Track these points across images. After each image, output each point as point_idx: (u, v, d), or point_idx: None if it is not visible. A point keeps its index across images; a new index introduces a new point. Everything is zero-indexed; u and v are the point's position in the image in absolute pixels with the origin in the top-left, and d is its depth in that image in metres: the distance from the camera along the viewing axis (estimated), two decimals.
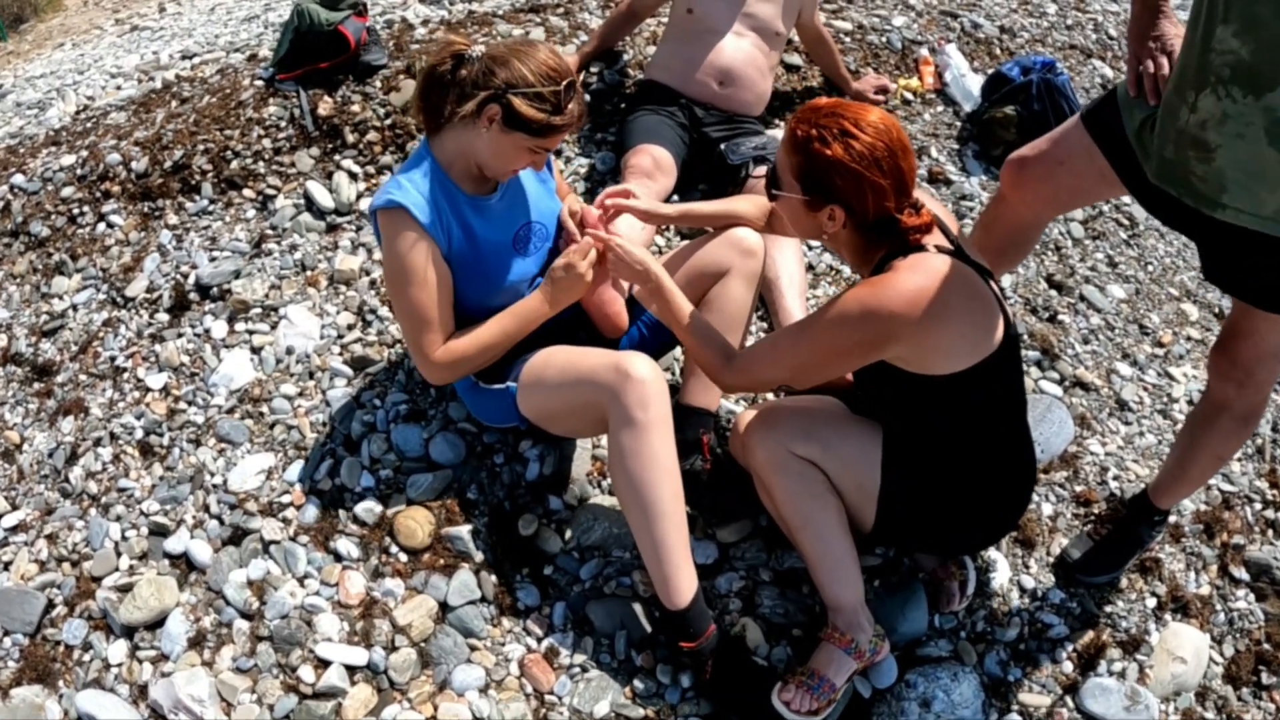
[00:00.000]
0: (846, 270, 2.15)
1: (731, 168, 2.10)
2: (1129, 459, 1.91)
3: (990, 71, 2.68)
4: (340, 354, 1.89)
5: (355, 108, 2.38)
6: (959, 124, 2.58)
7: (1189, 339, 2.29)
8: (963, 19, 2.98)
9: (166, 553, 1.63)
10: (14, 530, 1.73)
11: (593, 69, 2.51)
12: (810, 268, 2.12)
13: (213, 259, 2.12)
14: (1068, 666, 1.55)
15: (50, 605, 1.62)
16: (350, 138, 2.34)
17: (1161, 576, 1.70)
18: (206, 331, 1.96)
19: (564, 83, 1.32)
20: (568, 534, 1.59)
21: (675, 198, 2.21)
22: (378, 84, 2.43)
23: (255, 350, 1.91)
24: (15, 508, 1.78)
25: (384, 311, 1.97)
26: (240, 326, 1.96)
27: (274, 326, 1.95)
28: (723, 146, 2.12)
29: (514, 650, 1.46)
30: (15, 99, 3.34)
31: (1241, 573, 1.76)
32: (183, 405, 1.85)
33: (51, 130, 2.79)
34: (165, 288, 2.08)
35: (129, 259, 2.19)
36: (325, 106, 2.39)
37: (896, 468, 1.33)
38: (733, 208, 1.58)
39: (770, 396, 1.79)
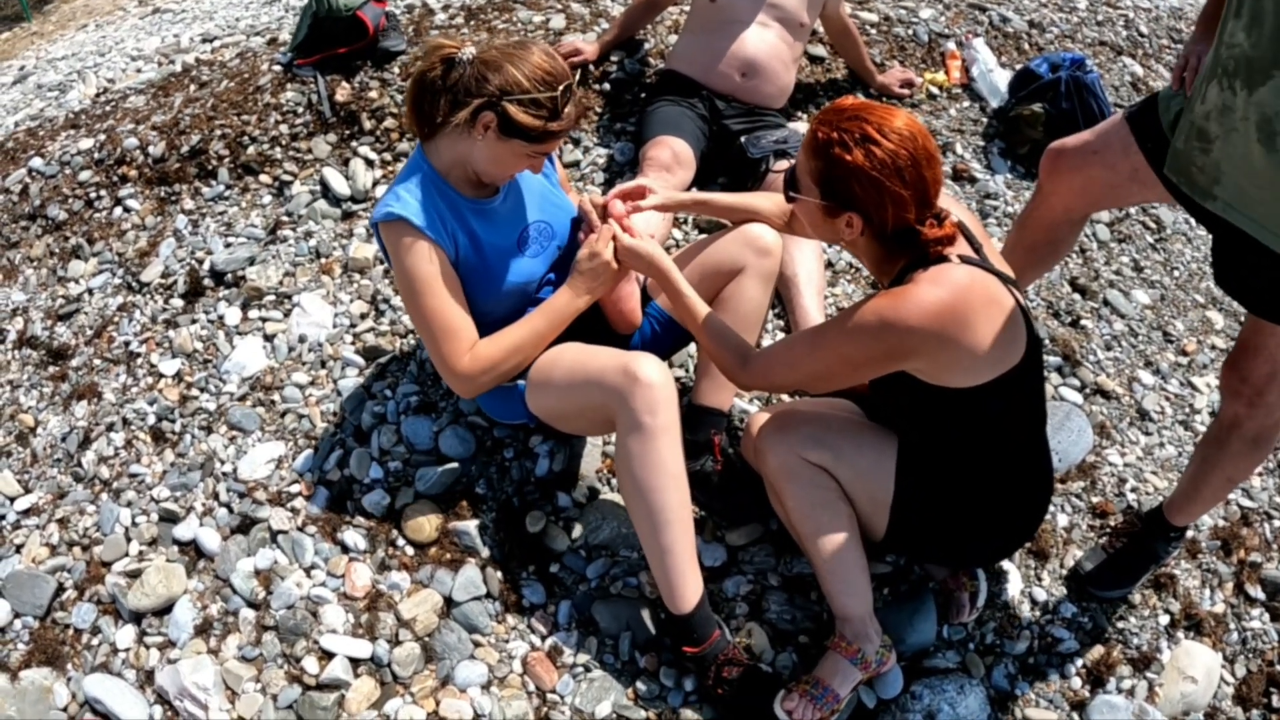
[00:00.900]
0: (857, 269, 2.11)
1: (751, 161, 2.06)
2: (1148, 470, 1.86)
3: (1018, 67, 2.61)
4: (352, 343, 1.88)
5: (373, 94, 2.36)
6: (985, 120, 2.52)
7: (1213, 348, 2.23)
8: (991, 12, 2.91)
9: (176, 539, 1.63)
10: (26, 514, 1.75)
11: (613, 57, 2.47)
12: (829, 265, 2.08)
13: (228, 245, 2.11)
14: (1076, 682, 1.52)
15: (60, 589, 1.63)
16: (367, 124, 2.32)
17: (1176, 593, 1.67)
18: (220, 318, 1.96)
19: (560, 87, 1.28)
20: (575, 532, 1.57)
21: (694, 190, 2.18)
22: (396, 70, 2.41)
23: (268, 338, 1.90)
24: (28, 491, 1.79)
25: (397, 301, 1.95)
26: (254, 313, 1.95)
27: (287, 314, 1.94)
28: (743, 139, 2.08)
29: (518, 648, 1.45)
30: (36, 80, 3.35)
31: (1257, 591, 1.71)
32: (195, 392, 1.85)
33: (71, 113, 2.80)
34: (180, 273, 2.08)
35: (145, 244, 2.19)
36: (343, 92, 2.37)
37: (911, 477, 1.30)
38: (752, 203, 1.54)
39: (785, 397, 1.76)
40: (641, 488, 1.27)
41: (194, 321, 1.97)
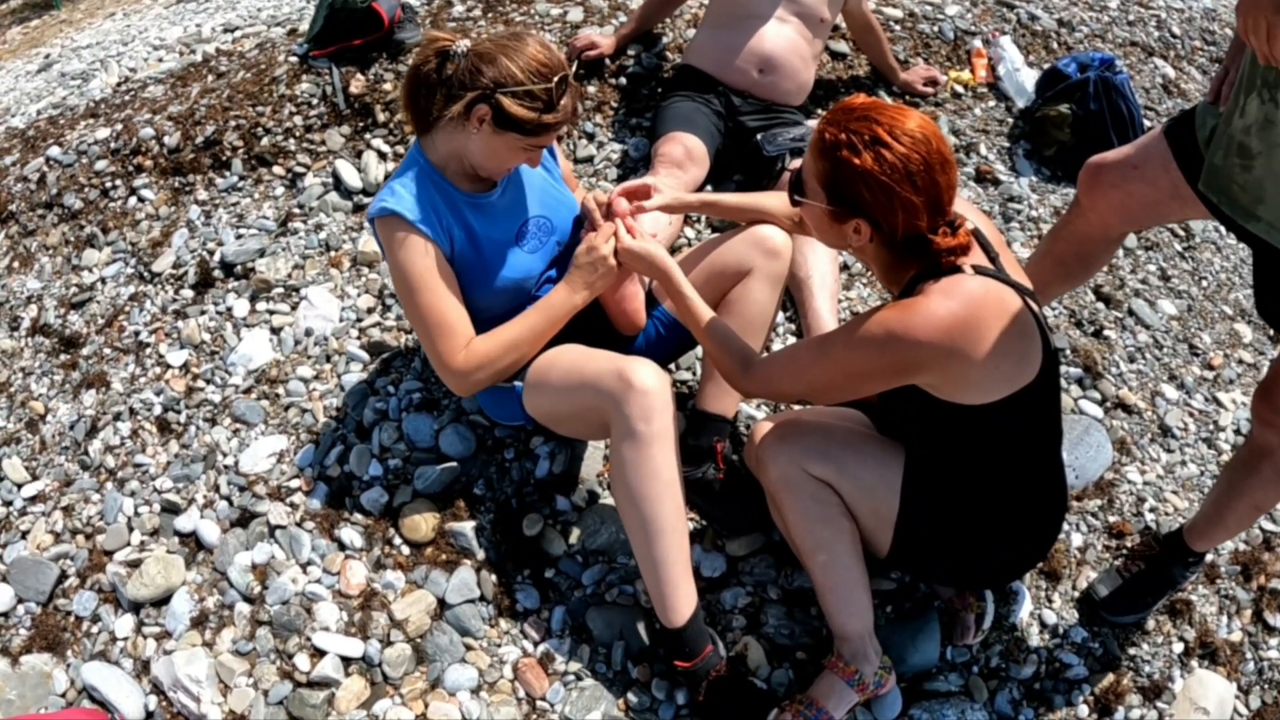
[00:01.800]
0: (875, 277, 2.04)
1: (767, 159, 2.00)
2: (1168, 490, 1.79)
3: (1046, 67, 2.52)
4: (358, 338, 1.86)
5: (387, 86, 2.34)
6: (1011, 120, 2.43)
7: (1240, 362, 2.14)
8: (1019, 10, 2.81)
9: (177, 530, 1.63)
10: (33, 500, 1.76)
11: (630, 51, 2.42)
12: (844, 268, 2.02)
13: (239, 236, 2.10)
14: (1083, 710, 1.46)
15: (63, 576, 1.64)
16: (381, 116, 2.30)
17: (1192, 620, 1.60)
18: (229, 310, 1.95)
19: (555, 78, 1.25)
20: (573, 536, 1.54)
21: (708, 188, 2.13)
22: (411, 63, 2.38)
23: (275, 331, 1.89)
24: (35, 478, 1.80)
25: None
26: (261, 306, 1.94)
27: (294, 307, 1.93)
28: (759, 137, 2.02)
29: (509, 653, 1.43)
30: (60, 69, 3.37)
31: (1276, 620, 1.64)
32: (201, 384, 1.84)
33: (92, 102, 2.81)
34: (191, 264, 2.07)
35: (158, 234, 2.19)
36: (357, 84, 2.35)
37: (917, 494, 1.25)
38: (762, 203, 1.49)
39: (795, 405, 1.71)
40: (635, 496, 1.23)
41: (203, 313, 1.97)
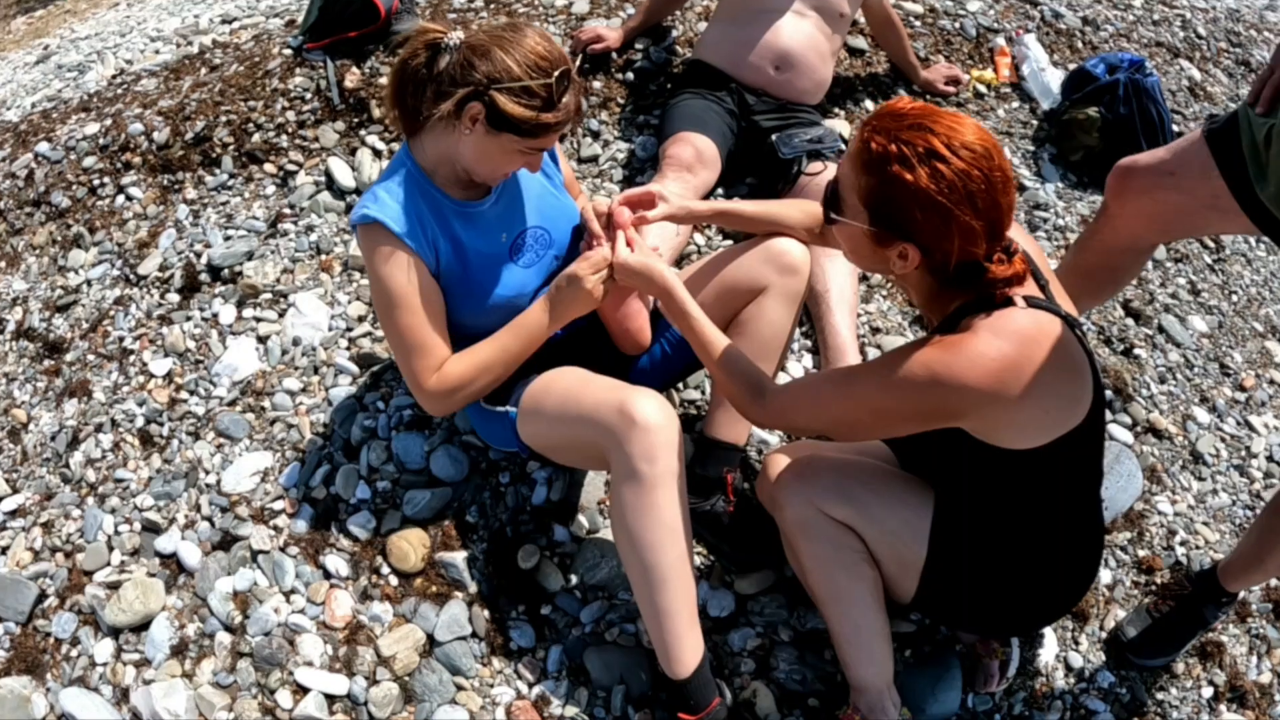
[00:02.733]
0: (892, 284, 1.91)
1: (782, 162, 1.85)
2: (1199, 521, 1.66)
3: (1072, 67, 2.37)
4: (347, 349, 1.74)
5: (383, 80, 2.20)
6: (1035, 123, 2.28)
7: (1272, 383, 2.00)
8: (1043, 7, 2.65)
9: (157, 551, 1.53)
10: (13, 515, 1.65)
11: (637, 45, 2.27)
12: (863, 278, 1.89)
13: (227, 238, 1.98)
14: None
15: (42, 595, 1.53)
16: (376, 112, 2.17)
17: (1222, 663, 1.48)
18: (215, 316, 1.83)
19: (555, 73, 1.12)
20: (571, 570, 1.43)
21: (720, 192, 1.99)
22: (399, 56, 2.24)
23: (261, 340, 1.77)
24: (16, 490, 1.70)
25: None
26: (248, 313, 1.82)
27: (282, 314, 1.81)
28: (774, 138, 1.87)
29: (502, 694, 1.32)
30: (58, 61, 3.23)
31: None
32: (184, 395, 1.73)
33: (85, 95, 2.68)
34: (177, 266, 1.95)
35: (145, 234, 2.07)
36: (352, 78, 2.21)
37: (947, 540, 1.13)
38: (778, 213, 1.35)
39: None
40: (636, 542, 1.11)
41: (188, 319, 1.85)
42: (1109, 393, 1.81)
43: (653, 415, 1.10)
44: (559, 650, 1.35)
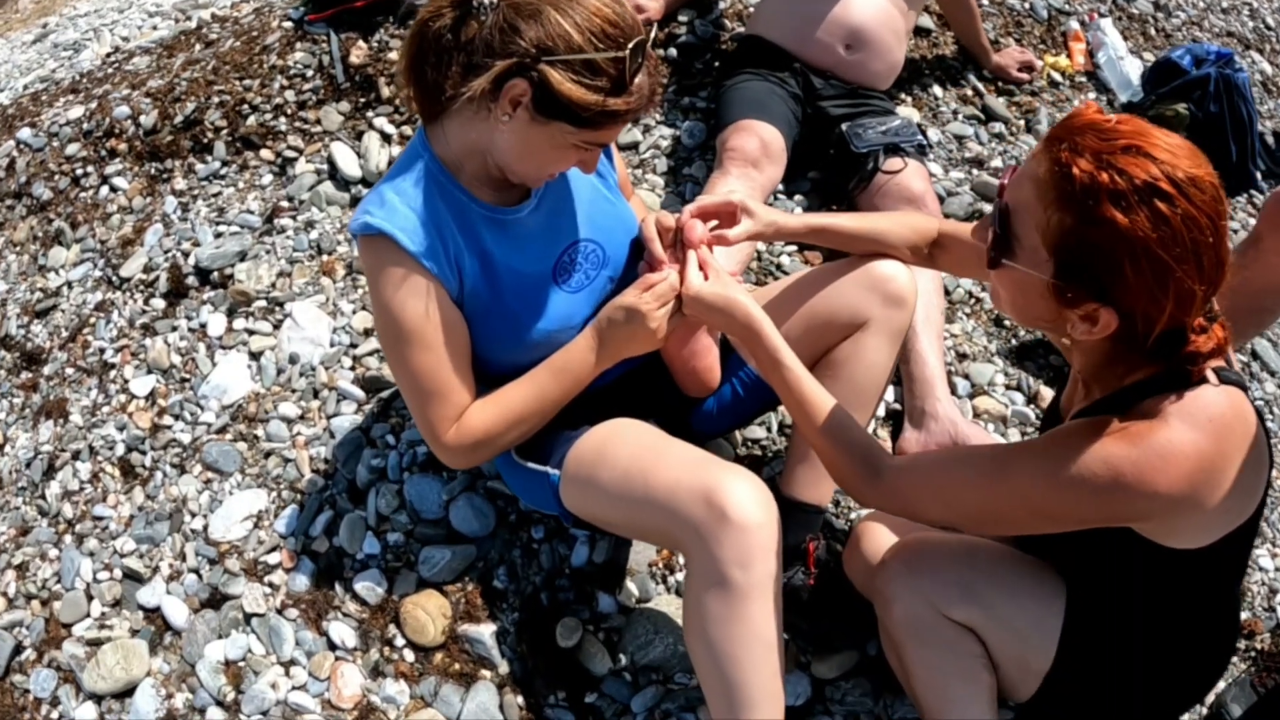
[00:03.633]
0: (976, 300, 1.53)
1: (855, 156, 1.49)
2: None
3: (1146, 56, 1.98)
4: (352, 368, 1.41)
5: (393, 55, 1.83)
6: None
7: None
8: None
9: (140, 604, 1.23)
10: None
11: (681, 17, 1.88)
12: (944, 291, 1.53)
13: (218, 235, 1.64)
14: None
15: (19, 647, 1.24)
16: (385, 91, 1.80)
17: None
18: (202, 327, 1.50)
19: (630, 44, 0.78)
20: (619, 649, 1.11)
21: (780, 188, 1.61)
22: (417, 17, 1.85)
23: (254, 356, 1.45)
24: None
25: None
26: (239, 323, 1.49)
27: (278, 326, 1.48)
28: (844, 128, 1.51)
29: None
30: (55, 39, 2.84)
31: None
32: (169, 420, 1.41)
33: (78, 75, 2.30)
34: (163, 268, 1.62)
35: (130, 230, 1.73)
36: (358, 54, 1.84)
37: (1077, 640, 0.85)
38: (883, 229, 1.01)
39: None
40: (720, 656, 0.80)
41: (174, 329, 1.52)
42: None
43: (750, 510, 0.77)
44: None
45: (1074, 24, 2.03)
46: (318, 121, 1.79)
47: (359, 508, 1.23)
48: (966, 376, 1.35)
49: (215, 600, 1.20)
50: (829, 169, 1.60)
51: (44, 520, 1.38)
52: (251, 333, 1.47)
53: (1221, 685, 1.19)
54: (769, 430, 1.28)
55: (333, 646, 1.13)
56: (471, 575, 1.15)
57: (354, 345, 1.44)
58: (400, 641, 1.12)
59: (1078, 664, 0.85)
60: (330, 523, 1.22)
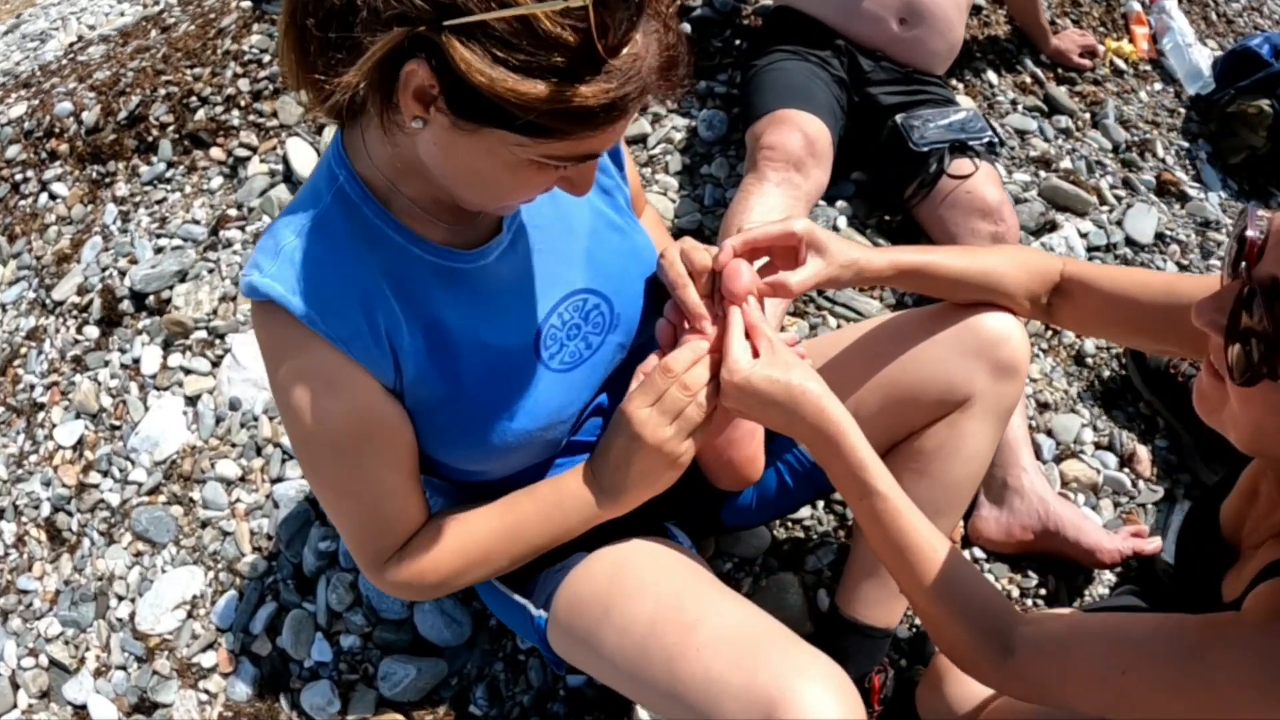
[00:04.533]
0: (1053, 332, 1.21)
1: (914, 155, 1.14)
2: None
3: (1215, 43, 1.62)
4: None
5: None
6: (1184, 111, 1.55)
7: None
8: None
9: (69, 701, 0.98)
10: None
11: None
12: None
13: (158, 250, 1.34)
14: None
15: None
16: None
17: None
18: (135, 362, 1.22)
19: None
20: None
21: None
22: None
23: (190, 400, 1.16)
24: None
25: None
26: (175, 359, 1.20)
27: (217, 363, 1.18)
28: (899, 120, 1.16)
29: None
30: (25, 30, 2.46)
31: None
32: (95, 476, 1.13)
33: (37, 68, 1.95)
34: (97, 290, 1.32)
35: (66, 244, 1.42)
36: None
37: None
38: (991, 269, 0.68)
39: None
40: None
41: (105, 363, 1.24)
42: None
43: None
44: None
45: (1135, 4, 1.66)
46: (274, 114, 1.46)
47: (307, 600, 0.96)
48: (1049, 433, 1.04)
49: (145, 707, 0.95)
50: (878, 170, 1.24)
51: None
52: (188, 371, 1.18)
53: None
54: (814, 509, 0.97)
55: None
56: (444, 694, 0.89)
57: None
58: None
59: None
60: (274, 617, 0.96)
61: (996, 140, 1.14)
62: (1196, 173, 1.45)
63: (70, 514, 1.13)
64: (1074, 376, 1.06)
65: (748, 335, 0.59)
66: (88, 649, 1.02)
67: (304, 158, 1.39)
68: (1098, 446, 1.02)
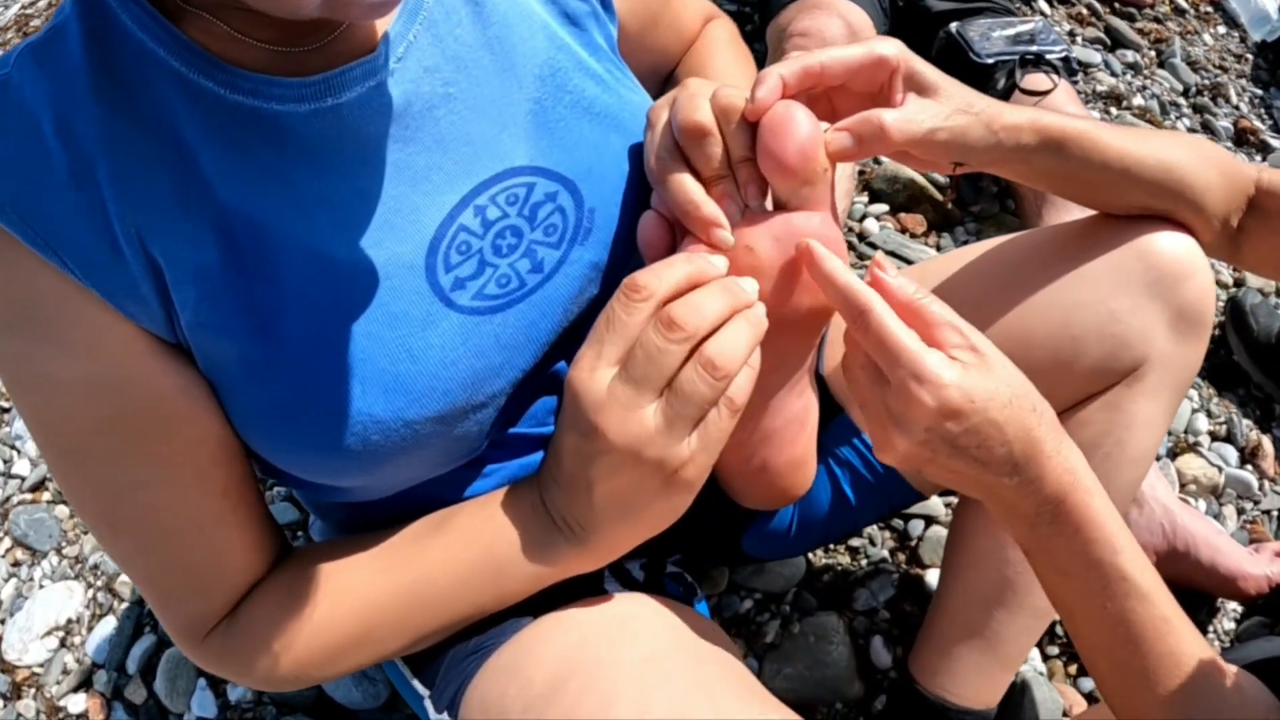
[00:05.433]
0: None
1: (976, 68, 0.85)
2: None
3: None
4: None
5: None
6: (1251, 57, 1.28)
7: None
8: None
9: None
10: None
11: None
12: None
13: None
14: None
15: None
16: None
17: None
18: None
19: None
20: None
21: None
22: None
23: None
24: None
25: None
26: None
27: None
28: (954, 28, 0.87)
29: None
30: None
31: None
32: None
33: None
34: None
35: None
36: None
37: None
38: (1169, 160, 0.37)
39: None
40: None
41: None
42: None
43: None
44: None
45: None
46: None
47: None
48: (1173, 460, 0.75)
49: None
50: None
51: None
52: None
53: None
54: (876, 543, 0.66)
55: None
56: None
57: None
58: None
59: None
60: (150, 655, 0.70)
61: (1074, 58, 0.86)
62: (1274, 122, 1.18)
63: None
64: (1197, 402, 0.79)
65: (907, 308, 0.30)
66: None
67: None
68: (1214, 438, 0.75)
